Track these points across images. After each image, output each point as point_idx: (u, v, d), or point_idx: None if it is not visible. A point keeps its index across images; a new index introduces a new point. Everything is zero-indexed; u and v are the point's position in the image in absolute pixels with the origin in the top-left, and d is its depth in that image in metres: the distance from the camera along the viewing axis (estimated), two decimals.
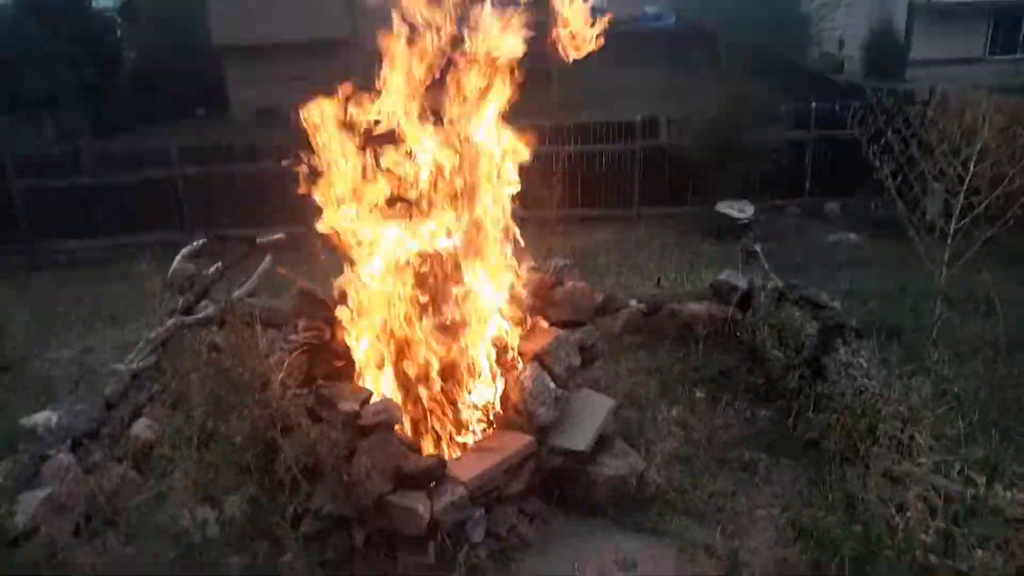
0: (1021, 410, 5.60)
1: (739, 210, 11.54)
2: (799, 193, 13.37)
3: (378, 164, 4.69)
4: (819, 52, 28.43)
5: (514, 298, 4.95)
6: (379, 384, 4.67)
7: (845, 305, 7.01)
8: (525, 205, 5.16)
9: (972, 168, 6.63)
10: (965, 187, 6.54)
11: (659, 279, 8.22)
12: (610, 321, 6.99)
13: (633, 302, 7.21)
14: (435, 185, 4.71)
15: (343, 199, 4.62)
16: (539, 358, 4.80)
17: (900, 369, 5.52)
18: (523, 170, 4.91)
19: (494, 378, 4.76)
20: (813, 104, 13.23)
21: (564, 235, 11.80)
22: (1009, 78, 18.60)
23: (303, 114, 4.59)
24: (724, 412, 5.75)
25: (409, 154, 4.72)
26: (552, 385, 4.70)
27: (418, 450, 4.41)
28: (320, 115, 4.58)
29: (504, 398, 4.73)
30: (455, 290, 4.66)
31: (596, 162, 13.39)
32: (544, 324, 5.16)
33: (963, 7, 24.34)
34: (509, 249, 4.94)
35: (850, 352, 5.60)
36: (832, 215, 12.94)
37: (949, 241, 6.62)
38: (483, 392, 4.73)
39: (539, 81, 23.93)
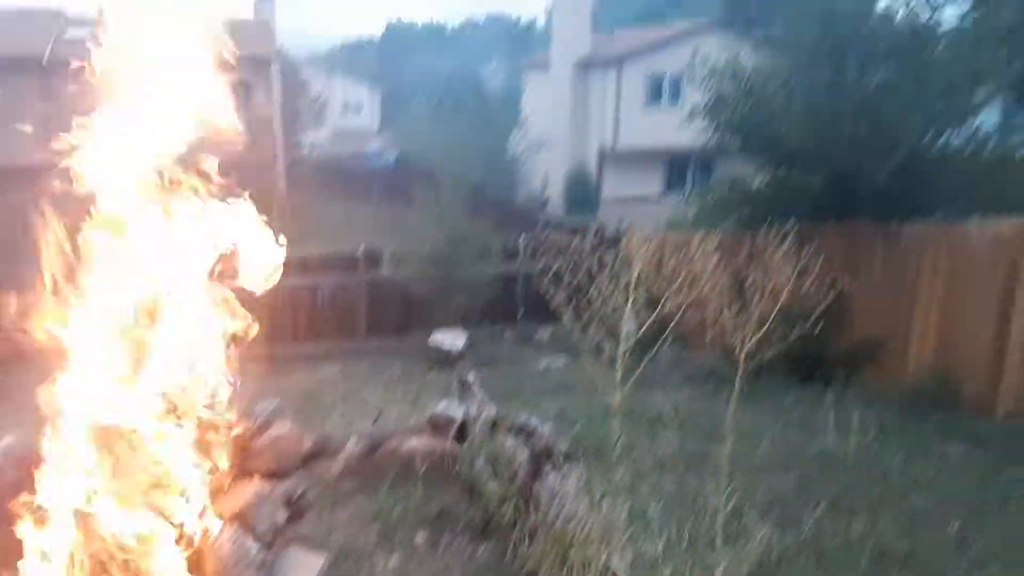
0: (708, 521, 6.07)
1: (452, 340, 11.92)
2: (513, 320, 14.12)
3: None
4: (527, 190, 31.07)
5: (209, 452, 4.55)
6: None
7: (555, 429, 7.31)
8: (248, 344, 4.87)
9: (631, 294, 7.43)
10: (626, 312, 7.17)
11: (377, 416, 8.10)
12: (327, 465, 6.68)
13: (352, 441, 6.98)
14: None
15: None
16: (238, 519, 4.41)
17: (599, 490, 5.78)
18: (248, 306, 4.65)
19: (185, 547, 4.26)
20: (521, 239, 14.25)
21: (287, 373, 11.34)
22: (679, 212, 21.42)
23: None
24: (444, 554, 5.63)
25: None
26: (254, 549, 4.32)
27: None
28: None
29: (198, 569, 4.24)
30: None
31: (320, 295, 13.22)
32: (247, 479, 4.79)
33: (642, 153, 28.01)
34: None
35: (560, 477, 5.80)
36: (542, 341, 13.77)
37: (617, 364, 7.15)
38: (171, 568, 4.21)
39: (264, 211, 23.49)
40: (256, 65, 26.20)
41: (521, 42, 71.78)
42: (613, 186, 28.27)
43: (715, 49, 14.42)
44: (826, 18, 11.08)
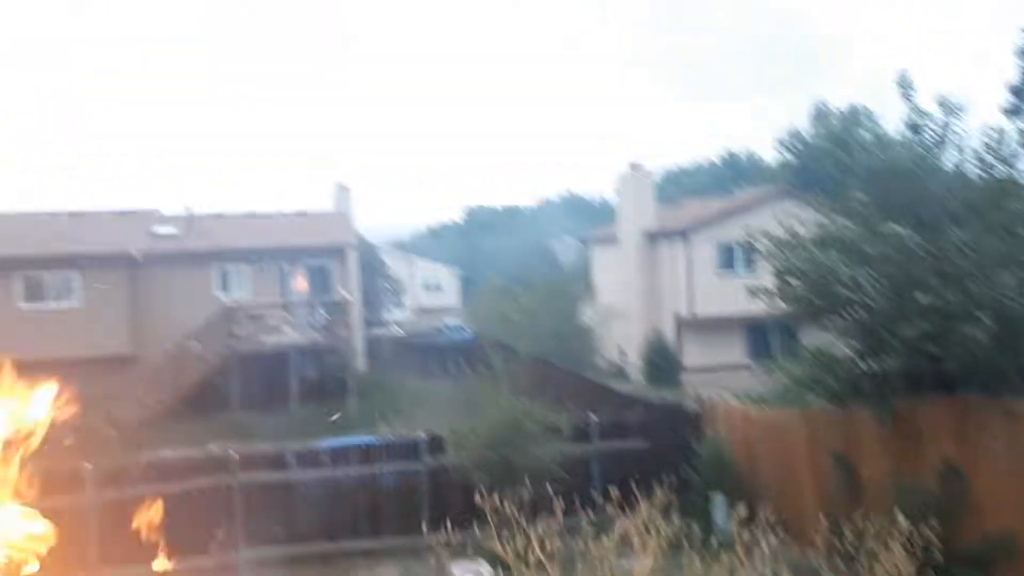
0: None
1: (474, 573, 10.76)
2: (589, 508, 13.06)
3: None
4: (603, 361, 30.52)
5: None
6: None
7: None
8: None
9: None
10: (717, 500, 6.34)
11: None
12: None
13: None
14: None
15: None
16: None
17: None
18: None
19: None
20: (594, 416, 13.50)
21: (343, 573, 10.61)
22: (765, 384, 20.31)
23: None
24: None
25: None
26: None
27: None
28: None
29: None
30: None
31: (381, 486, 12.59)
32: None
33: (720, 320, 27.29)
34: None
35: None
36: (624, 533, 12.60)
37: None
38: None
39: (335, 396, 23.37)
40: (334, 252, 27.22)
41: (595, 216, 73.84)
42: (694, 355, 27.48)
43: (782, 217, 14.14)
44: (896, 180, 10.61)
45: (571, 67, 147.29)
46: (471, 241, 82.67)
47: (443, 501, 12.41)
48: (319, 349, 24.63)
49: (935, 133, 12.68)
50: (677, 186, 67.95)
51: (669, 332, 28.35)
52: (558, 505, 11.85)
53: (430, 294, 71.43)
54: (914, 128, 12.83)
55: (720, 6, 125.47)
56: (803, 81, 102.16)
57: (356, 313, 29.66)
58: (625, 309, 30.14)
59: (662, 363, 27.43)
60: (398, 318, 57.83)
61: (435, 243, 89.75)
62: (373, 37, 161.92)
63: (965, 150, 12.28)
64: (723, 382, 20.07)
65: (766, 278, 11.83)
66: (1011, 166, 12.74)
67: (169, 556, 11.50)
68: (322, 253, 27.21)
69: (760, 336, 27.72)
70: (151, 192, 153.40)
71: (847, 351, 10.93)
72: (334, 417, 21.99)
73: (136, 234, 26.20)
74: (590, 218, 75.63)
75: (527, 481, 11.32)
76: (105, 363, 24.04)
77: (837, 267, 10.99)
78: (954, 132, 12.63)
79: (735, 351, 27.70)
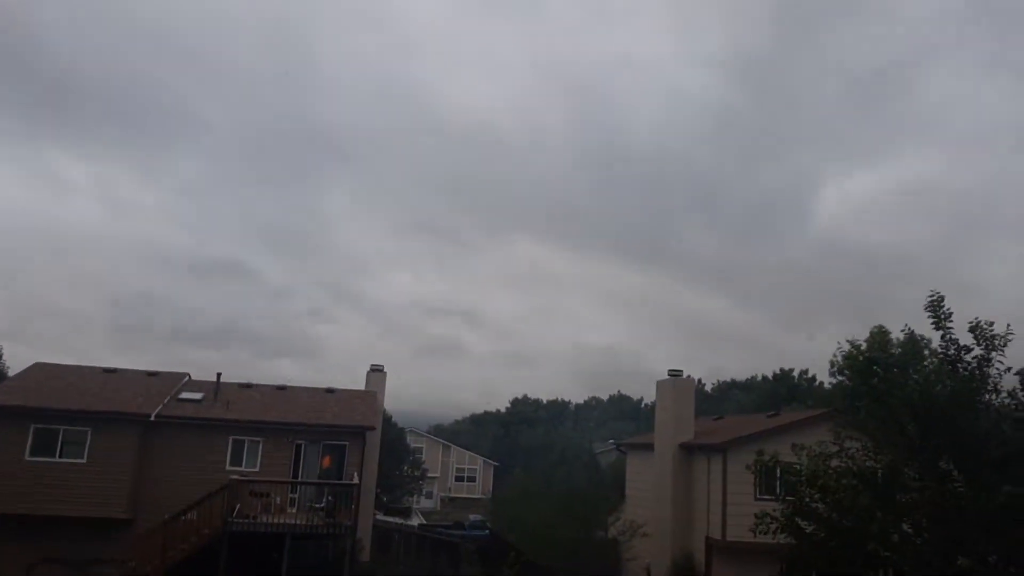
0: None
1: None
2: None
3: None
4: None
5: None
6: None
7: None
8: None
9: None
10: None
11: None
12: None
13: None
14: None
15: None
16: None
17: None
18: None
19: None
20: None
21: None
22: None
23: None
24: None
25: None
26: None
27: None
28: None
29: None
30: None
31: None
32: None
33: (755, 547, 25.02)
34: None
35: None
36: None
37: None
38: None
39: None
40: (355, 433, 26.37)
41: (643, 420, 72.02)
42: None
43: (819, 445, 12.97)
44: (922, 416, 9.60)
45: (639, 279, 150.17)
46: (512, 433, 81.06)
47: None
48: (318, 534, 23.21)
49: (973, 368, 11.77)
50: (728, 399, 66.36)
51: (699, 554, 26.03)
52: None
53: (461, 484, 69.25)
54: (951, 361, 11.94)
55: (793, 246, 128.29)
56: (866, 307, 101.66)
57: (369, 499, 28.27)
58: (655, 524, 28.05)
59: None
60: (423, 506, 55.79)
61: (476, 432, 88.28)
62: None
63: (1002, 389, 11.30)
64: None
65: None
66: None
67: None
68: (342, 433, 26.38)
69: (799, 570, 25.22)
70: (192, 359, 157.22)
71: None
72: None
73: (159, 397, 25.97)
74: (638, 421, 73.79)
75: None
76: (102, 524, 23.18)
77: (868, 511, 9.83)
78: (995, 366, 11.71)
79: None
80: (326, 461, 26.48)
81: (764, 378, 67.06)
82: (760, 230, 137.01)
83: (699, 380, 73.29)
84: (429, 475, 59.77)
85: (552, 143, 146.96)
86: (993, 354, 11.96)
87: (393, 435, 43.13)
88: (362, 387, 30.60)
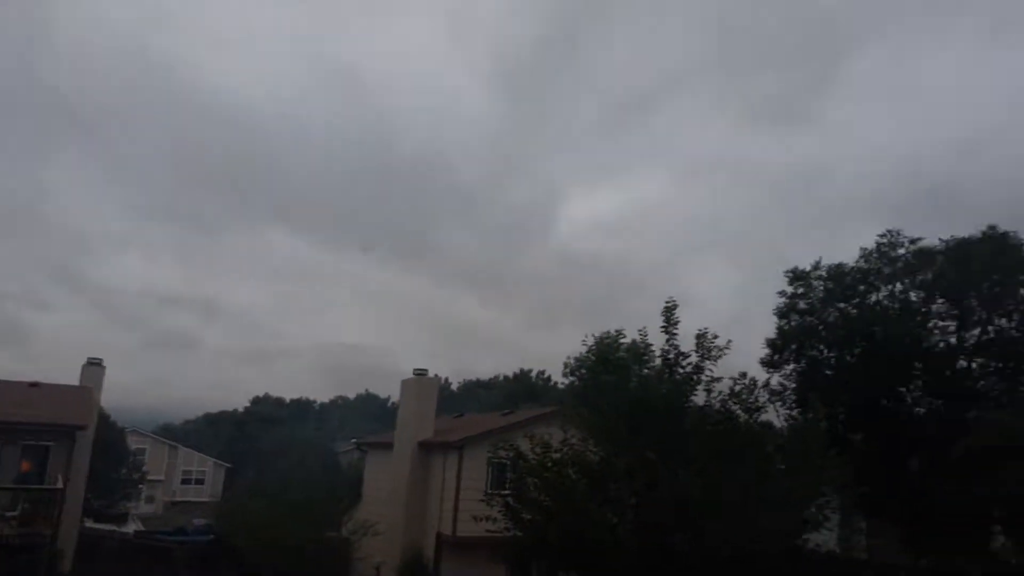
0: None
1: None
2: None
3: None
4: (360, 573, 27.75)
5: None
6: None
7: None
8: None
9: None
10: None
11: None
12: None
13: None
14: None
15: None
16: None
17: None
18: None
19: None
20: None
21: None
22: None
23: None
24: None
25: None
26: None
27: None
28: None
29: None
30: None
31: None
32: None
33: (483, 542, 25.81)
34: None
35: None
36: None
37: None
38: None
39: None
40: (61, 433, 23.65)
41: (387, 421, 71.92)
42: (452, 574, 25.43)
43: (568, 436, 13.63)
44: (638, 412, 10.38)
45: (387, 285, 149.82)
46: (249, 433, 77.27)
47: None
48: (10, 544, 20.50)
49: (688, 373, 12.88)
50: (473, 398, 68.28)
51: (429, 550, 26.38)
52: None
53: (189, 487, 64.83)
54: (669, 366, 13.00)
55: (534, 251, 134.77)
56: (601, 313, 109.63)
57: (76, 505, 25.49)
58: (390, 522, 28.01)
59: None
60: (144, 512, 51.50)
61: (210, 432, 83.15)
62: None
63: (715, 393, 12.49)
64: None
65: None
66: (755, 414, 13.04)
67: None
68: (46, 432, 23.51)
69: (524, 563, 26.44)
70: None
71: None
72: None
73: None
74: (384, 421, 73.52)
75: None
76: None
77: (584, 498, 10.39)
78: (707, 374, 12.87)
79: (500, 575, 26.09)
80: (24, 465, 23.52)
81: (506, 378, 69.92)
82: (511, 238, 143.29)
83: (445, 379, 74.79)
84: (151, 478, 55.33)
85: (314, 136, 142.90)
86: (707, 363, 13.32)
87: (112, 435, 39.27)
88: (77, 382, 27.56)
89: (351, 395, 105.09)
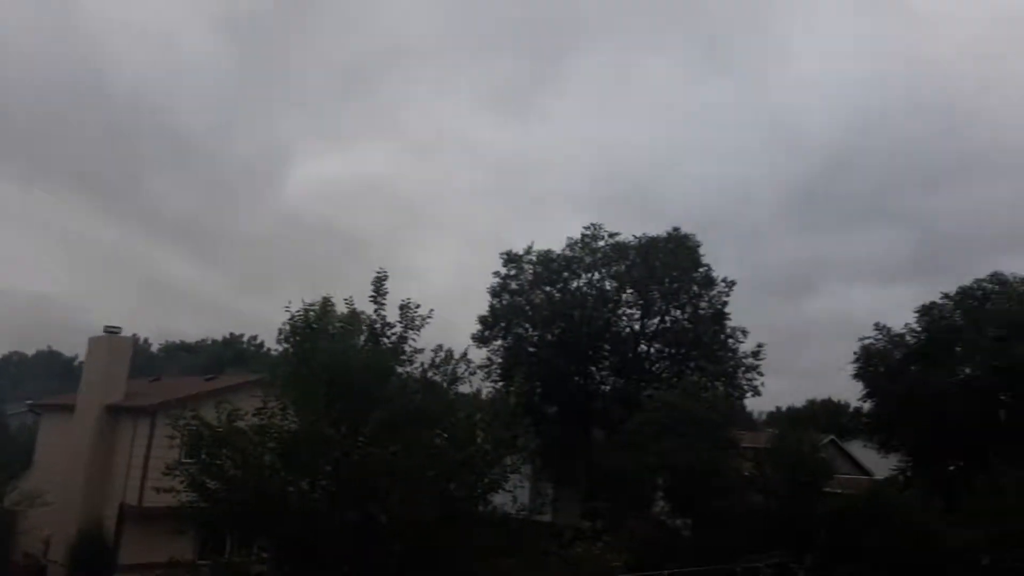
0: None
1: None
2: None
3: None
4: (22, 555, 25.04)
5: None
6: None
7: None
8: None
9: None
10: None
11: None
12: None
13: None
14: None
15: None
16: None
17: None
18: None
19: None
20: None
21: None
22: None
23: None
24: None
25: None
26: None
27: None
28: None
29: None
30: None
31: None
32: None
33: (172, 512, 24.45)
34: None
35: None
36: None
37: None
38: None
39: None
40: None
41: (74, 381, 64.91)
42: (138, 551, 23.77)
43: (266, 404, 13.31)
44: (338, 378, 10.52)
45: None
46: None
47: None
48: None
49: (393, 341, 13.14)
50: (175, 361, 63.81)
51: (111, 522, 24.47)
52: None
53: None
54: (374, 335, 13.20)
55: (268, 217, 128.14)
56: (321, 280, 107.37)
57: None
58: (66, 492, 25.48)
59: (93, 560, 23.28)
60: None
61: None
62: None
63: (416, 364, 12.84)
64: None
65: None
66: (454, 384, 13.70)
67: None
68: None
69: (214, 535, 25.52)
70: None
71: (263, 561, 10.03)
72: None
73: None
74: (70, 381, 66.26)
75: None
76: None
77: (272, 470, 10.31)
78: (410, 344, 13.22)
79: (187, 547, 24.91)
80: None
81: (214, 341, 66.36)
82: (232, 195, 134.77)
83: (145, 339, 69.27)
84: None
85: (8, 54, 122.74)
86: (410, 332, 13.70)
87: None
88: None
89: (30, 351, 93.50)
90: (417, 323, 13.78)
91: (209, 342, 67.56)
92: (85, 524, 24.41)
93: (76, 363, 78.73)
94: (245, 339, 63.16)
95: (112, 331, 27.80)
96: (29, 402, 39.58)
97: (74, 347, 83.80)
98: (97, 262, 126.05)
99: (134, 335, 28.94)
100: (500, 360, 38.90)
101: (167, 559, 16.34)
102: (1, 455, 30.02)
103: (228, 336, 64.48)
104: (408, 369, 13.76)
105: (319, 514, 10.32)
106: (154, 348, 70.92)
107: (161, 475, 22.20)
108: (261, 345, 60.71)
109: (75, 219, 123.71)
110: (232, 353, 58.70)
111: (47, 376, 76.53)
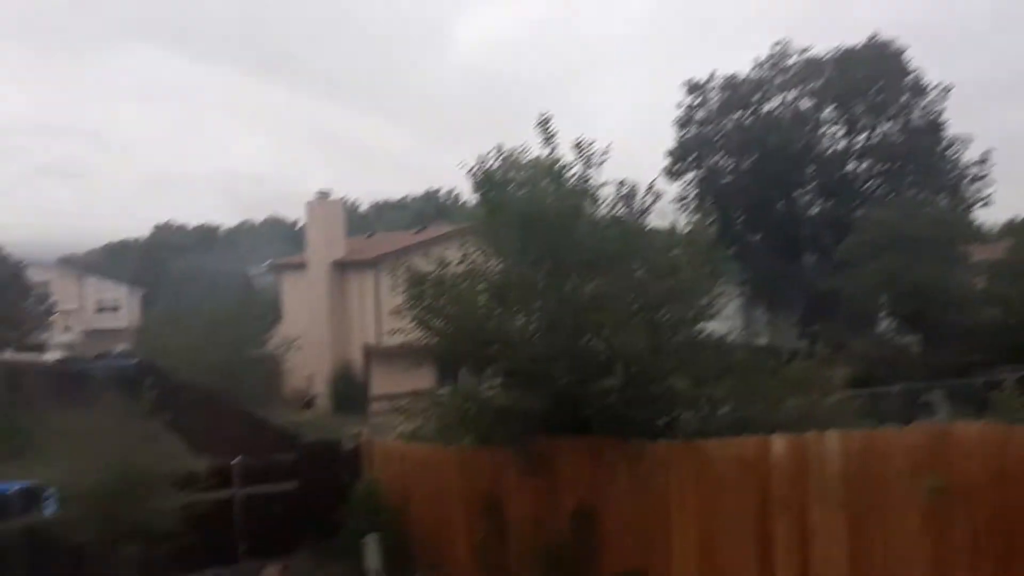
0: None
1: None
2: (229, 560, 11.75)
3: None
4: (290, 391, 28.98)
5: None
6: None
7: None
8: None
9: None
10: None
11: None
12: None
13: None
14: None
15: None
16: None
17: None
18: None
19: None
20: (238, 460, 12.21)
21: None
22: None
23: None
24: None
25: None
26: None
27: None
28: None
29: None
30: None
31: None
32: None
33: (411, 350, 26.96)
34: None
35: None
36: None
37: None
38: None
39: None
40: None
41: (296, 243, 71.43)
42: (384, 384, 26.82)
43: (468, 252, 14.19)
44: (529, 224, 10.75)
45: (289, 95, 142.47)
46: (158, 261, 75.87)
47: (42, 563, 10.35)
48: None
49: (575, 182, 13.14)
50: (382, 219, 68.21)
51: (358, 361, 27.63)
52: (189, 560, 10.55)
53: (105, 316, 64.14)
54: (556, 176, 13.34)
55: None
56: (505, 130, 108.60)
57: None
58: (314, 338, 28.92)
59: (349, 393, 26.63)
60: (62, 340, 51.07)
61: (115, 262, 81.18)
62: None
63: (602, 200, 12.81)
64: (408, 412, 19.62)
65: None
66: (641, 218, 13.70)
67: None
68: None
69: (448, 367, 27.94)
70: None
71: (492, 389, 10.90)
72: None
73: None
74: (294, 244, 73.11)
75: (144, 537, 9.79)
76: None
77: (487, 309, 10.92)
78: (593, 182, 13.23)
79: (426, 380, 27.61)
80: None
81: (415, 198, 69.89)
82: (405, 49, 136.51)
83: (353, 201, 74.24)
84: (64, 308, 54.42)
85: None
86: (590, 170, 13.74)
87: (9, 269, 38.14)
88: None
89: (257, 219, 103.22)
90: (595, 160, 13.77)
91: (410, 199, 71.21)
92: (336, 364, 27.74)
93: (297, 227, 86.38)
94: (443, 193, 65.92)
95: (324, 195, 30.19)
96: (270, 261, 44.32)
97: (293, 213, 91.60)
98: (300, 134, 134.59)
99: (343, 197, 31.18)
100: (695, 192, 38.14)
101: (410, 389, 18.35)
102: (253, 309, 34.08)
103: (428, 191, 67.56)
104: (596, 207, 13.87)
105: (536, 345, 10.89)
106: (363, 208, 75.89)
107: (392, 317, 24.66)
108: (458, 198, 63.18)
109: (272, 94, 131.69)
110: (433, 207, 61.68)
111: (274, 240, 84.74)
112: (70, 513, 9.83)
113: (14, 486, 11.61)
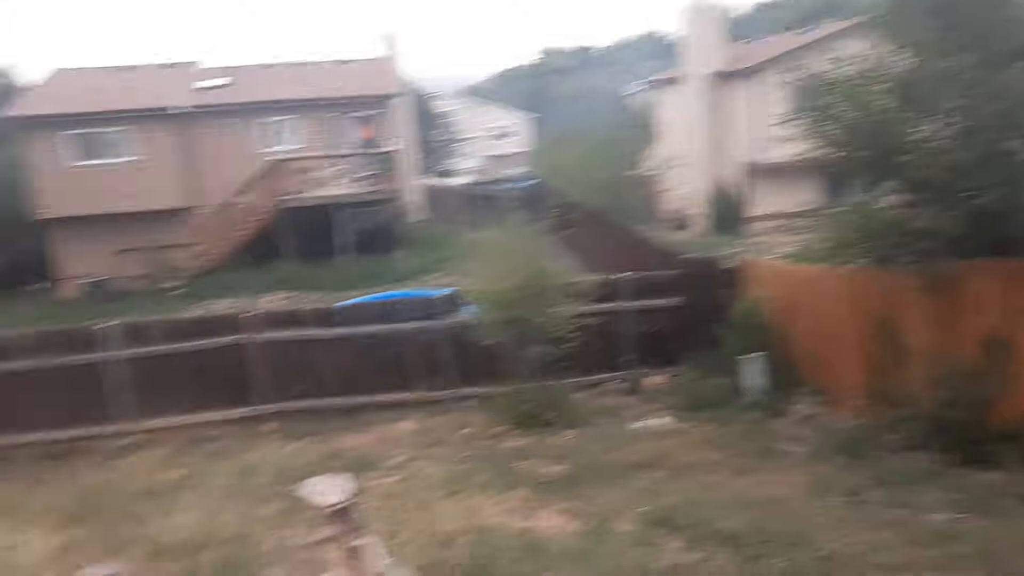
0: None
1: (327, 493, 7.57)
2: (614, 369, 12.59)
3: None
4: (666, 211, 29.31)
5: None
6: None
7: None
8: None
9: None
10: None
11: None
12: None
13: None
14: None
15: None
16: None
17: None
18: None
19: None
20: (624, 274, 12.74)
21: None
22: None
23: None
24: None
25: None
26: None
27: None
28: None
29: None
30: None
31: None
32: None
33: (793, 167, 25.37)
34: None
35: None
36: (647, 393, 12.12)
37: None
38: None
39: (383, 248, 23.40)
40: (381, 101, 26.25)
41: (672, 59, 69.50)
42: (766, 202, 25.79)
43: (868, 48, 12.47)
44: (950, 7, 8.93)
45: None
46: (544, 85, 79.77)
47: (465, 358, 12.12)
48: (366, 202, 24.23)
49: None
50: (766, 21, 62.96)
51: (736, 178, 26.74)
52: (581, 364, 11.54)
53: (502, 141, 69.84)
54: None
55: None
56: None
57: (408, 163, 29.00)
58: (691, 155, 28.47)
59: (727, 212, 26.10)
60: (468, 166, 57.06)
61: (507, 89, 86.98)
62: None
63: None
64: (793, 230, 18.82)
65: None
66: None
67: (198, 408, 11.79)
68: (368, 103, 26.19)
69: (837, 182, 25.85)
70: (191, 43, 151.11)
71: (893, 205, 9.74)
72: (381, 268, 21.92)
73: (180, 88, 25.74)
74: (668, 59, 71.43)
75: (545, 341, 10.84)
76: (162, 215, 24.25)
77: (894, 112, 9.64)
78: None
79: (810, 199, 26.00)
80: (364, 132, 26.59)
81: None
82: None
83: (732, 4, 69.48)
84: (466, 136, 60.15)
85: None
86: None
87: (419, 100, 42.97)
88: (365, 57, 29.76)
89: (633, 38, 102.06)
90: None
91: None
92: (714, 182, 27.22)
93: (674, 40, 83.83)
94: None
95: (699, 2, 28.43)
96: (649, 78, 43.93)
97: (667, 26, 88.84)
98: None
99: (720, 2, 29.08)
100: None
101: (792, 208, 17.35)
102: (631, 130, 34.44)
103: None
104: None
105: (953, 152, 9.37)
106: (742, 12, 70.72)
107: (775, 129, 23.18)
108: None
109: None
110: (822, 2, 55.18)
111: (651, 56, 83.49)
112: (484, 316, 11.20)
113: (439, 292, 13.48)
